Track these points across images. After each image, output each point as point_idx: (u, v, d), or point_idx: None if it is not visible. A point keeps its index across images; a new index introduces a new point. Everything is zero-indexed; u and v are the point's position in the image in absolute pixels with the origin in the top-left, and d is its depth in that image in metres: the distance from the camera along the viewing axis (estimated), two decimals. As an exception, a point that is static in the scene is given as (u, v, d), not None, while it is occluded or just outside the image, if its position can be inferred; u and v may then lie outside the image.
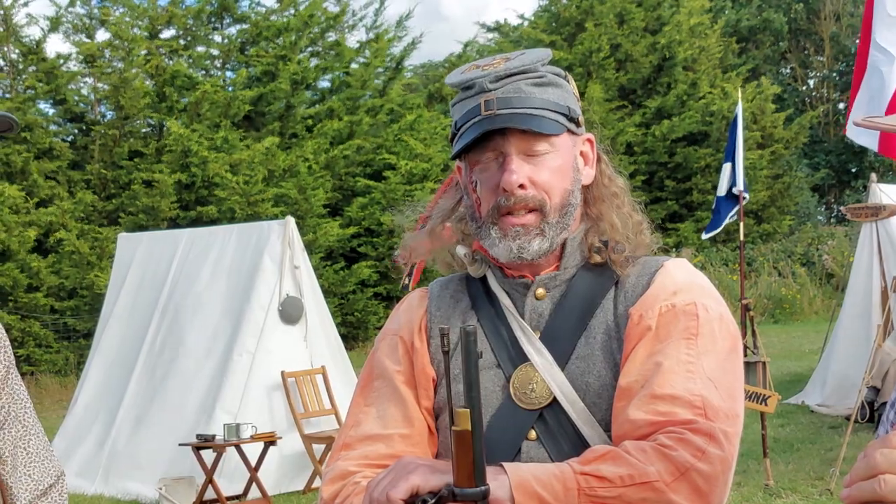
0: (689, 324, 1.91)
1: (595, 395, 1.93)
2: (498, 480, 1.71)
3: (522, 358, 1.98)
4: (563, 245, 2.04)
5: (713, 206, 10.31)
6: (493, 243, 2.00)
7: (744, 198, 9.52)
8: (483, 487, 1.57)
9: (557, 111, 2.00)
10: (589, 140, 2.11)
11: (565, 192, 2.00)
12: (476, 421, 1.52)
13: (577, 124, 2.05)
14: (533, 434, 1.94)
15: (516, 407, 1.96)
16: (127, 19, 23.53)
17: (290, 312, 10.17)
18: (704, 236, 10.87)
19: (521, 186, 1.96)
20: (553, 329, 2.00)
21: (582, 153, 2.08)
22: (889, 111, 6.69)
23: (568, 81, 2.07)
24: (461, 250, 2.10)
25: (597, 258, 2.03)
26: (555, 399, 1.94)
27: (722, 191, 9.65)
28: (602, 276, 2.02)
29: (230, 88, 24.25)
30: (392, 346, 2.10)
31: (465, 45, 30.84)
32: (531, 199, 1.97)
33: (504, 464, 1.76)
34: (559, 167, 2.00)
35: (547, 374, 1.95)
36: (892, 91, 6.75)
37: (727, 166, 9.50)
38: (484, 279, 2.11)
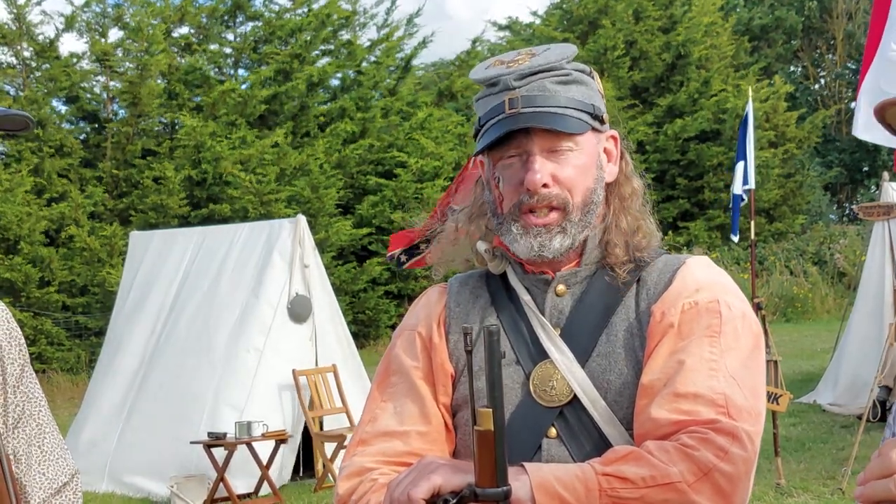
0: (711, 321, 1.90)
1: (616, 394, 1.92)
2: (519, 480, 1.70)
3: (542, 355, 1.98)
4: (584, 242, 2.03)
5: (730, 206, 10.36)
6: (514, 239, 1.99)
7: (742, 199, 9.53)
8: (505, 488, 1.56)
9: (582, 109, 1.99)
10: (613, 137, 2.10)
11: (588, 191, 2.00)
12: (499, 421, 1.52)
13: (602, 122, 2.05)
14: (553, 432, 1.93)
15: (536, 404, 1.95)
16: (138, 18, 23.57)
17: (299, 311, 10.18)
18: (735, 239, 10.93)
19: (545, 185, 1.95)
20: (574, 326, 1.99)
21: (605, 150, 2.08)
22: None
23: (593, 78, 2.07)
24: (482, 246, 2.10)
25: (610, 259, 2.03)
26: (575, 397, 1.93)
27: (738, 189, 9.67)
28: (624, 274, 2.02)
29: (245, 86, 24.29)
30: (410, 341, 2.09)
31: (474, 42, 30.80)
32: (555, 197, 1.96)
33: (525, 464, 1.75)
34: (583, 165, 1.99)
35: (567, 372, 1.94)
36: None
37: (740, 165, 9.50)
38: (504, 275, 2.10)
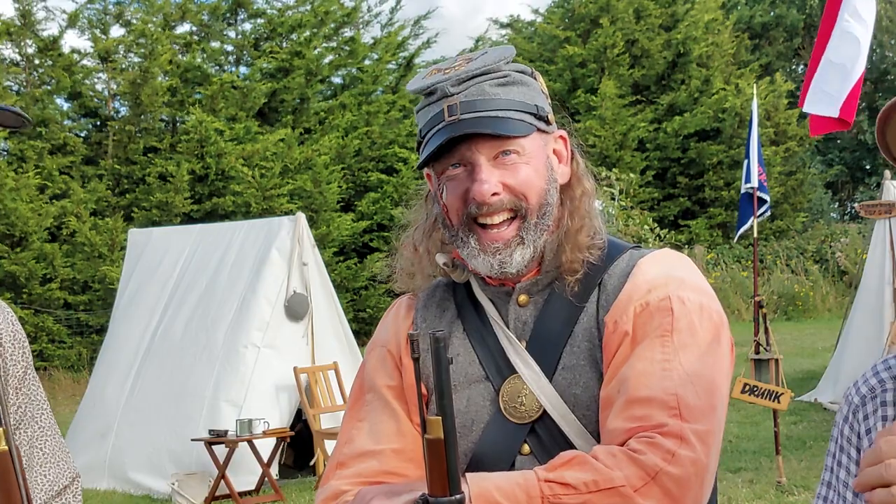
0: (663, 321, 1.84)
1: (584, 407, 1.87)
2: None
3: (510, 369, 1.92)
4: (543, 249, 1.95)
5: (738, 204, 10.29)
6: (472, 254, 1.93)
7: (763, 199, 9.46)
8: (458, 496, 1.52)
9: (524, 111, 1.92)
10: (562, 137, 2.02)
11: (541, 192, 1.92)
12: (449, 429, 1.48)
13: (547, 122, 1.97)
14: (526, 448, 1.89)
15: (507, 421, 1.91)
16: (140, 15, 23.60)
17: (296, 309, 10.18)
18: (734, 239, 10.86)
19: (494, 194, 1.88)
20: (538, 338, 1.93)
21: (555, 151, 2.00)
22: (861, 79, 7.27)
23: (535, 78, 1.99)
24: (441, 259, 2.04)
25: (567, 264, 1.95)
26: (545, 412, 1.88)
27: (745, 188, 9.62)
28: (585, 279, 1.94)
29: (245, 81, 24.31)
30: (381, 358, 2.05)
31: (477, 41, 30.83)
32: (508, 202, 1.90)
33: (467, 474, 1.72)
34: (532, 169, 1.91)
35: (535, 387, 1.89)
36: (866, 52, 7.21)
37: (747, 163, 9.46)
38: (469, 284, 2.04)
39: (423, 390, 1.94)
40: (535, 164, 1.93)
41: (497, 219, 1.91)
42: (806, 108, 7.57)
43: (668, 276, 1.91)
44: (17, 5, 22.03)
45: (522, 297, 1.97)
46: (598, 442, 1.85)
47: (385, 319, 2.15)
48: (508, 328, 1.96)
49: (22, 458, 1.32)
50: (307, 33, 25.17)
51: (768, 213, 9.68)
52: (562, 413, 1.88)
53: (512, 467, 1.88)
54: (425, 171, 2.02)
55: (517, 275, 1.95)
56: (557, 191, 1.98)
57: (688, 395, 1.77)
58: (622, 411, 1.78)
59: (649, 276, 1.91)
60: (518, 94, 1.93)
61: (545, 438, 1.88)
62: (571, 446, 1.86)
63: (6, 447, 1.27)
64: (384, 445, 1.95)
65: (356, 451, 1.97)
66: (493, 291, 2.00)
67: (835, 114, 7.36)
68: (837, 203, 37.33)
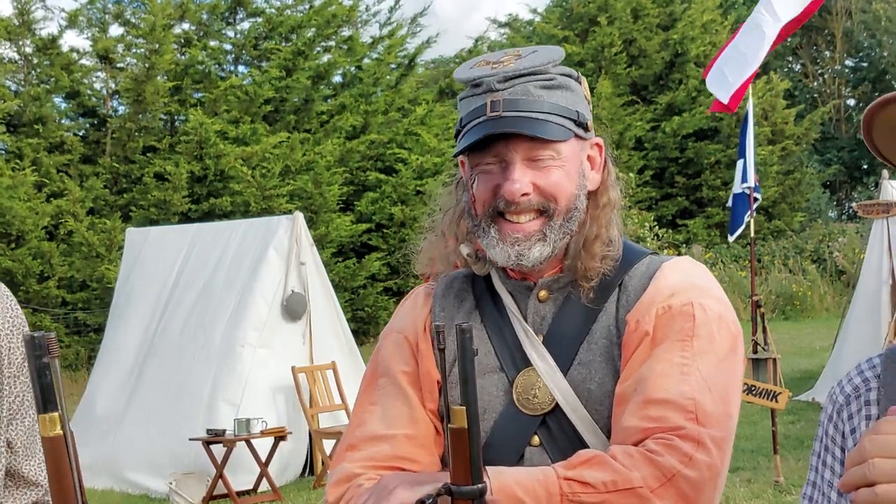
0: (684, 325, 1.88)
1: (597, 403, 1.91)
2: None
3: (525, 362, 1.96)
4: (566, 247, 1.99)
5: (730, 204, 10.29)
6: (492, 244, 1.96)
7: (755, 198, 9.47)
8: (480, 485, 1.54)
9: (565, 116, 1.94)
10: (598, 144, 2.05)
11: (571, 196, 1.95)
12: (472, 418, 1.50)
13: (586, 129, 2.00)
14: (536, 440, 1.92)
15: (519, 412, 1.94)
16: (142, 14, 23.60)
17: (294, 308, 10.18)
18: (731, 239, 10.86)
19: (525, 195, 1.92)
20: (555, 333, 1.96)
21: (589, 157, 2.03)
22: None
23: (580, 83, 2.02)
24: (465, 249, 2.06)
25: (587, 268, 1.97)
26: (557, 405, 1.92)
27: (737, 188, 9.63)
28: (601, 284, 1.98)
29: (248, 81, 24.31)
30: (397, 344, 2.07)
31: (477, 41, 30.84)
32: (536, 203, 1.93)
33: (487, 468, 1.73)
34: (565, 173, 1.95)
35: (549, 380, 1.92)
36: (768, 47, 7.89)
37: (741, 163, 9.46)
38: (489, 277, 2.07)
39: (438, 377, 1.99)
40: (569, 168, 1.96)
41: (524, 218, 1.94)
42: (707, 82, 8.45)
43: (690, 283, 1.95)
44: (14, 4, 22.03)
45: (543, 293, 2.00)
46: (609, 438, 1.88)
47: (402, 307, 2.16)
48: (526, 322, 1.99)
49: (76, 444, 1.33)
50: (310, 33, 25.16)
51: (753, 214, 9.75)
52: (574, 407, 1.91)
53: (521, 458, 1.91)
54: (459, 158, 2.05)
55: (533, 270, 1.98)
56: (586, 197, 2.01)
57: (705, 401, 1.81)
58: (638, 410, 1.81)
59: (671, 281, 1.95)
60: (561, 98, 1.96)
61: (556, 431, 1.92)
62: (581, 440, 1.90)
63: (61, 432, 1.28)
64: (396, 430, 1.97)
65: (368, 435, 1.98)
66: (513, 285, 2.03)
67: (725, 100, 8.06)
68: (835, 203, 37.35)
